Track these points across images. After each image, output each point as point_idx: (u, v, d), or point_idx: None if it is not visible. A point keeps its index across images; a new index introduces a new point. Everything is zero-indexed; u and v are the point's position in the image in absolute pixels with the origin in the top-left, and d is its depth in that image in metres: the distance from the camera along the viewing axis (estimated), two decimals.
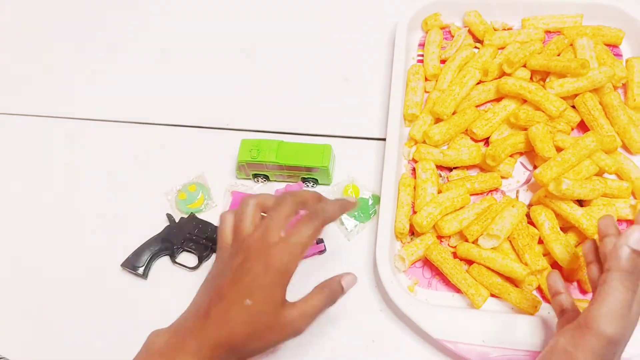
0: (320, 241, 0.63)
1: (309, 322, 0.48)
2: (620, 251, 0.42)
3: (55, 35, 0.88)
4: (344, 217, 0.65)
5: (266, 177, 0.69)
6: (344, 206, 0.50)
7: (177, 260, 0.65)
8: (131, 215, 0.69)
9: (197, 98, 0.78)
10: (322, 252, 0.63)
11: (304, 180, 0.68)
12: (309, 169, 0.65)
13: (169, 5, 0.88)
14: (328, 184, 0.68)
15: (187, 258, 0.65)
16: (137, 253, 0.64)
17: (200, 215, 0.67)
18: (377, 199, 0.65)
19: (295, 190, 0.52)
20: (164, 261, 0.65)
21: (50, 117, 0.79)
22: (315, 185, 0.68)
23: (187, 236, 0.65)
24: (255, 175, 0.69)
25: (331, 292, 0.49)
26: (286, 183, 0.68)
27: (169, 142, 0.75)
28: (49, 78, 0.84)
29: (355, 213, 0.65)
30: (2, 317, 0.64)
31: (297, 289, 0.48)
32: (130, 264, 0.64)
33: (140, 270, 0.63)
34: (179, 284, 0.64)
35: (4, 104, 0.81)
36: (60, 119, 0.79)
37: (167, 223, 0.67)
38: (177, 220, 0.66)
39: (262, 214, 0.51)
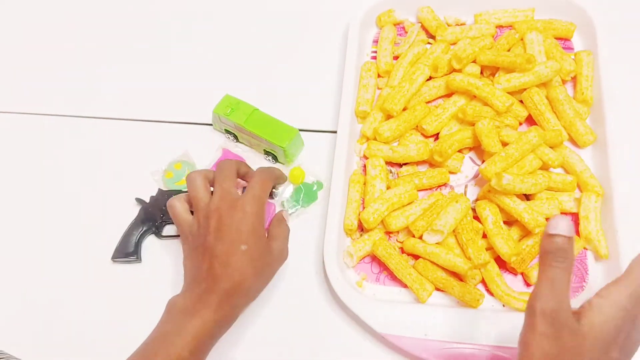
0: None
1: (287, 245, 0.59)
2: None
3: (35, 33, 0.87)
4: (286, 198, 0.67)
5: (235, 137, 0.71)
6: (273, 172, 0.61)
7: (163, 233, 0.67)
8: (121, 206, 0.69)
9: (184, 93, 0.78)
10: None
11: (267, 152, 0.69)
12: (270, 145, 0.67)
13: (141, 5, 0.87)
14: (286, 165, 0.69)
15: (171, 229, 0.67)
16: (124, 241, 0.66)
17: None
18: (320, 185, 0.68)
19: (227, 160, 0.60)
20: (151, 239, 0.67)
21: (36, 115, 0.78)
22: (275, 162, 0.70)
23: (163, 209, 0.65)
24: (227, 132, 0.71)
25: (284, 219, 0.60)
26: (249, 148, 0.71)
27: (149, 134, 0.75)
28: (37, 76, 0.82)
29: (302, 196, 0.67)
30: (6, 314, 0.65)
31: None
32: (122, 253, 0.65)
33: (133, 255, 0.65)
34: (172, 253, 0.66)
35: None
36: (43, 115, 0.78)
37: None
38: (148, 200, 0.68)
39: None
